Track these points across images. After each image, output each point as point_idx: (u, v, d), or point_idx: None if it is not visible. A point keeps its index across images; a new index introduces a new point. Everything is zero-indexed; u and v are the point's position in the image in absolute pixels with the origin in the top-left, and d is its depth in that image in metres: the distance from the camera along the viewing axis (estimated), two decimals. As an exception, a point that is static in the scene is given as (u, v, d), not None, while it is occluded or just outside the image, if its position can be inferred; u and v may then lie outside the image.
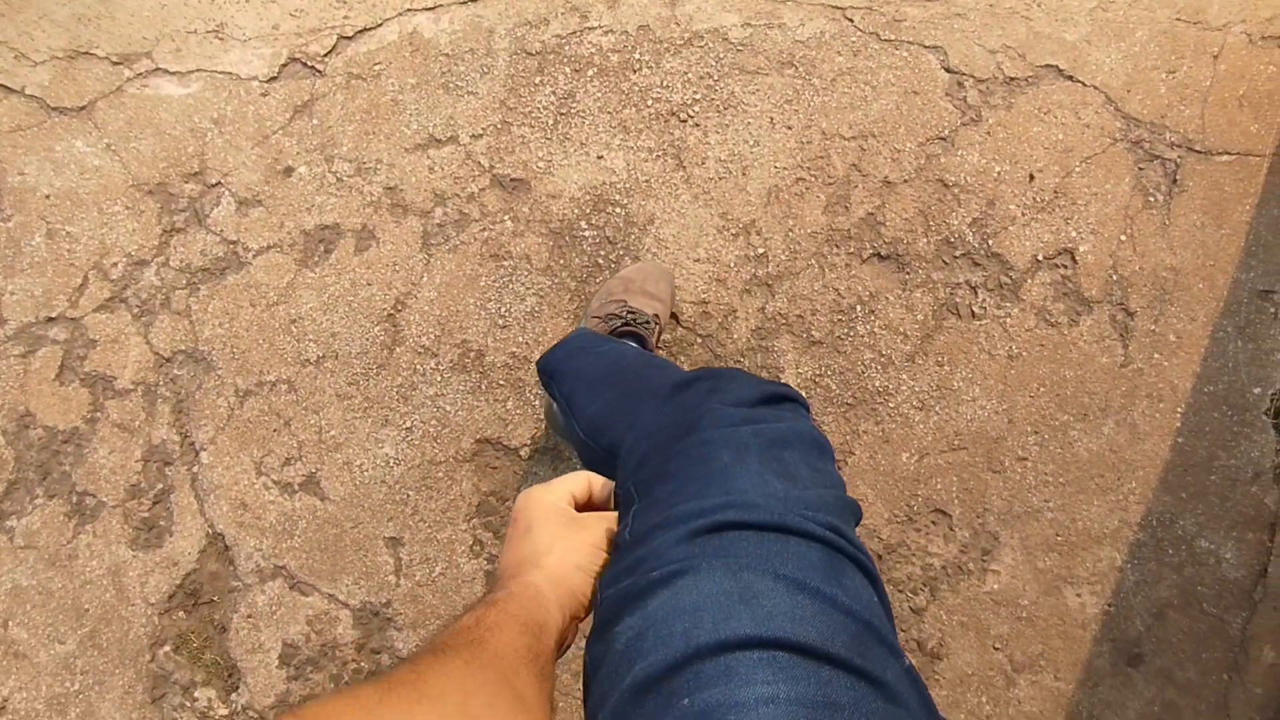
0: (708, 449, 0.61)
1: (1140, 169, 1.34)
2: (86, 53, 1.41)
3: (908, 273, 1.34)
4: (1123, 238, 1.34)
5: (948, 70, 1.36)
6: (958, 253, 1.34)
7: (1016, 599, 1.31)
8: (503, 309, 1.36)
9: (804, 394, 1.33)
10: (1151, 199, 1.34)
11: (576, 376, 0.88)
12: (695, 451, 0.61)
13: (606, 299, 1.29)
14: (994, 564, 1.31)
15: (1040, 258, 1.34)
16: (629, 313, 1.23)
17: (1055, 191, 1.34)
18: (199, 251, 1.37)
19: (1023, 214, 1.34)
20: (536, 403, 1.34)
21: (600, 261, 1.36)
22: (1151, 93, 1.34)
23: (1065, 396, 1.32)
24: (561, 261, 1.36)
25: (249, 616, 1.33)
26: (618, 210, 1.37)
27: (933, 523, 1.32)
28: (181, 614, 1.33)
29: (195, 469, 1.34)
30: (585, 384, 0.85)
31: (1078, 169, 1.34)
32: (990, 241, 1.34)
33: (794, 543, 0.52)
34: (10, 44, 1.42)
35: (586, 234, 1.37)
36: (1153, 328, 1.32)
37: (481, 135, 1.38)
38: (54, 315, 1.37)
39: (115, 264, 1.37)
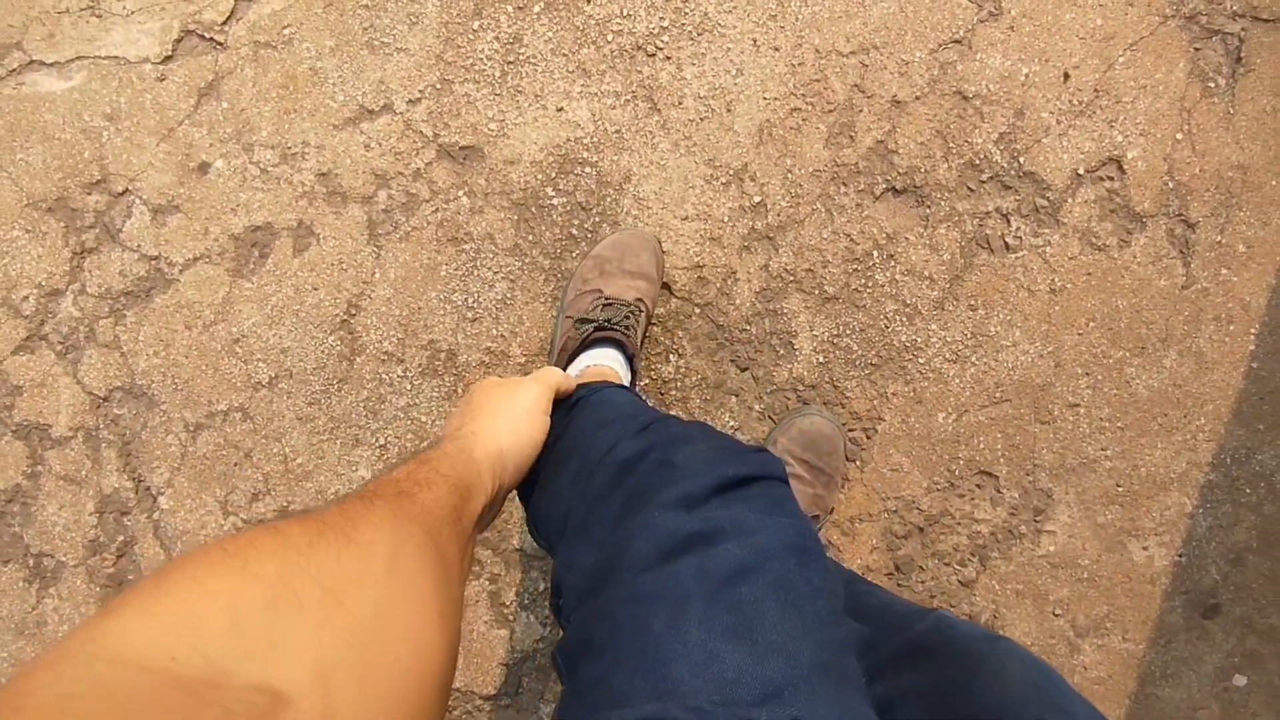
0: (638, 608, 0.45)
1: (1196, 50, 1.13)
2: (-50, 52, 1.21)
3: (928, 206, 1.16)
4: (1179, 136, 1.14)
5: (959, -45, 1.13)
6: (984, 176, 1.15)
7: (1076, 559, 1.18)
8: (470, 300, 1.19)
9: (822, 359, 1.17)
10: (1211, 84, 1.13)
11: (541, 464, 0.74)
12: (624, 612, 0.45)
13: (580, 288, 1.11)
14: (1048, 524, 1.18)
15: (1081, 171, 1.15)
16: (604, 308, 1.06)
17: (1096, 90, 1.13)
18: (117, 272, 1.20)
19: (1058, 122, 1.14)
20: (522, 401, 1.19)
21: (574, 232, 1.18)
22: (1205, -45, 1.12)
23: (1119, 330, 1.16)
24: (530, 238, 1.19)
25: (240, 667, 1.22)
26: (588, 170, 1.18)
27: (978, 486, 1.18)
28: (169, 670, 1.23)
29: (156, 515, 1.21)
30: (543, 461, 0.71)
31: (1121, 59, 1.13)
32: (1021, 159, 1.14)
33: None
34: None
35: (555, 202, 1.19)
36: (1218, 239, 1.14)
37: (419, 99, 1.18)
38: (-29, 363, 1.22)
39: (26, 297, 1.20)
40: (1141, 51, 1.11)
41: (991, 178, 1.13)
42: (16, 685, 0.26)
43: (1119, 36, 1.11)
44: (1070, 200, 1.13)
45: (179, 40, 1.17)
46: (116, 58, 1.18)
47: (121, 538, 1.20)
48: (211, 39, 1.17)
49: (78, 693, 0.26)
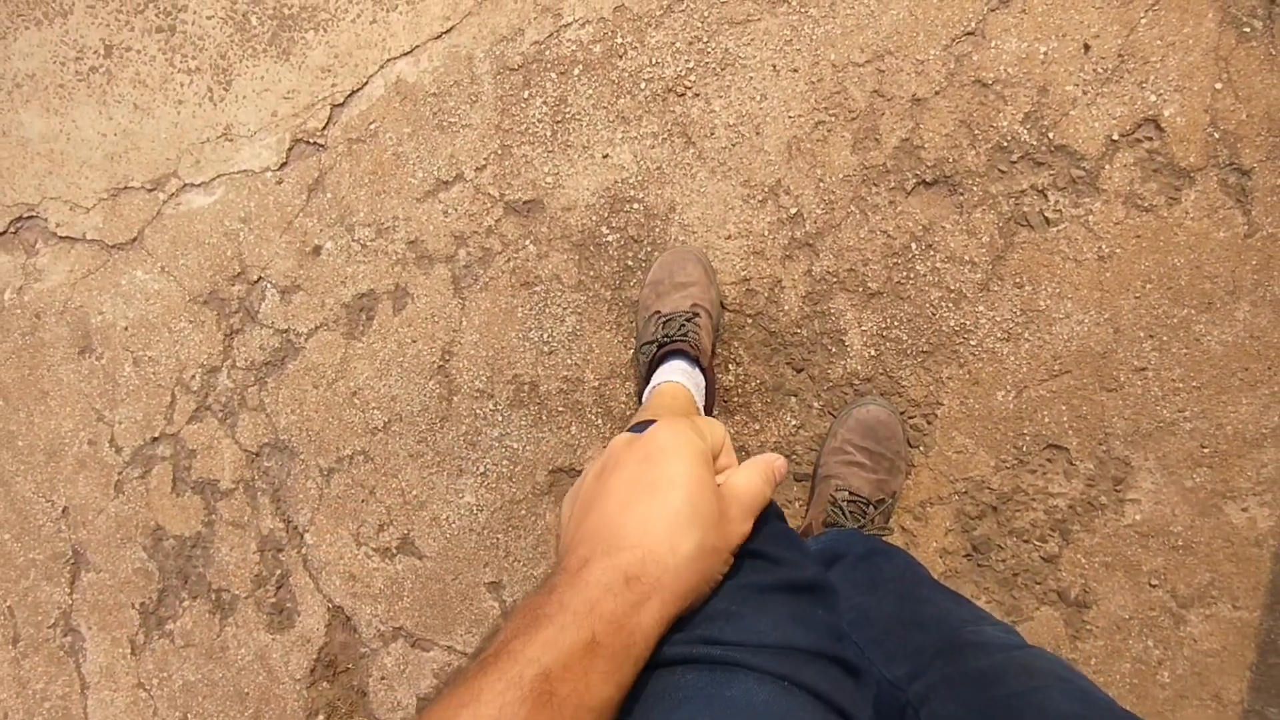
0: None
1: (1223, -1, 1.11)
2: (125, 187, 1.48)
3: (961, 194, 1.18)
4: (1218, 86, 1.11)
5: (960, -47, 1.17)
6: (1014, 157, 1.16)
7: (1167, 527, 1.14)
8: (545, 335, 1.32)
9: (873, 352, 1.20)
10: (1247, 29, 1.10)
11: None
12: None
13: (645, 315, 1.18)
14: (1131, 492, 1.14)
15: (1115, 137, 1.13)
16: (663, 325, 1.14)
17: (1120, 55, 1.13)
18: (258, 347, 1.41)
19: (1084, 92, 1.14)
20: (599, 422, 1.30)
21: (630, 264, 1.29)
22: (1220, -97, 1.10)
23: (1180, 288, 1.12)
24: (592, 273, 1.30)
25: (382, 679, 1.38)
26: (635, 206, 1.29)
27: (1048, 460, 1.16)
28: (325, 684, 1.40)
29: (303, 550, 1.40)
30: None
31: (1143, 21, 1.12)
32: (1051, 134, 1.15)
33: (664, 674, 0.39)
34: (64, 197, 1.52)
35: (610, 238, 1.30)
36: (1279, 182, 1.10)
37: (485, 166, 1.33)
38: (157, 435, 1.46)
39: (193, 376, 1.44)
40: (1164, 10, 1.10)
41: (1022, 157, 1.14)
42: None
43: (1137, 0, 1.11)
44: (1108, 167, 1.12)
45: (290, 148, 1.39)
46: (246, 171, 1.41)
47: (279, 571, 1.39)
48: (315, 143, 1.38)
49: None
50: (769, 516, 0.48)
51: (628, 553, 0.37)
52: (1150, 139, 1.10)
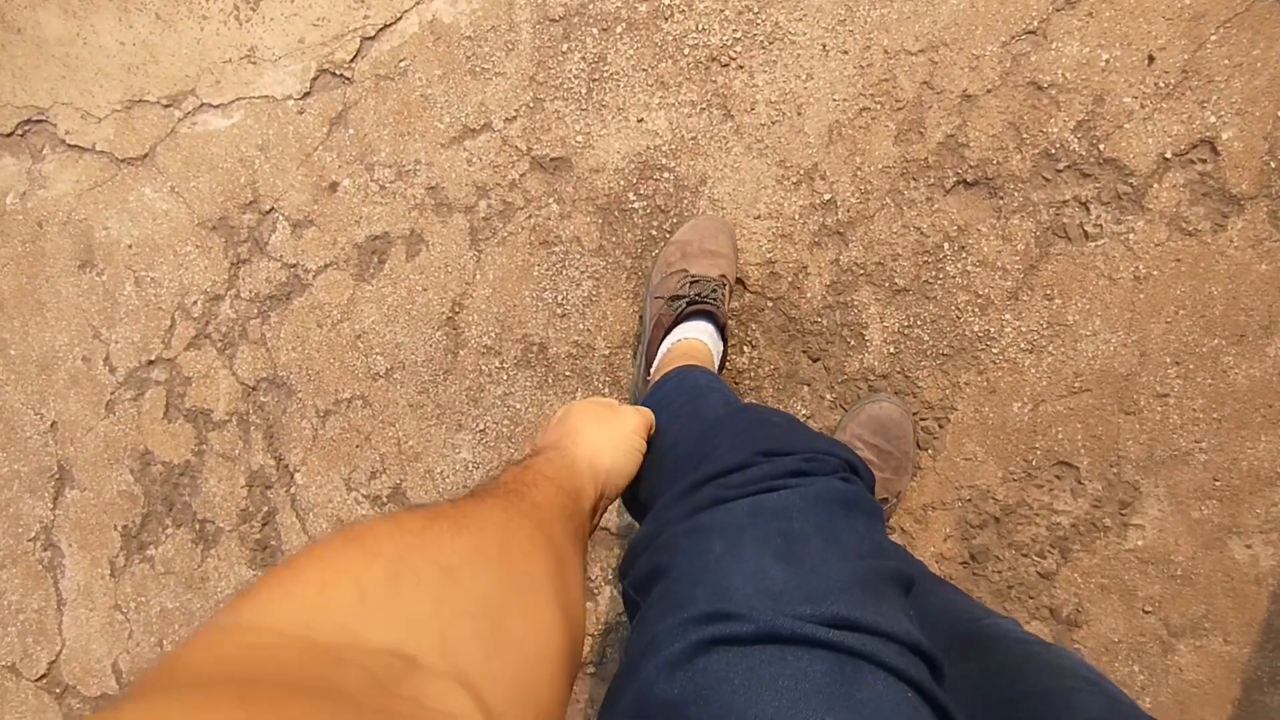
0: (701, 537, 0.50)
1: (1297, 24, 1.05)
2: (140, 100, 1.42)
3: (1001, 198, 1.13)
4: None
5: (1031, -54, 1.11)
6: (1060, 165, 1.11)
7: (1168, 555, 1.11)
8: (559, 297, 1.27)
9: (893, 349, 1.17)
10: (1315, 59, 1.05)
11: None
12: (689, 542, 0.49)
13: (666, 271, 1.16)
14: (1136, 517, 1.12)
15: (1169, 155, 1.09)
16: (692, 284, 1.11)
17: (1184, 71, 1.08)
18: (264, 279, 1.36)
19: (1141, 106, 1.09)
20: (606, 390, 1.26)
21: (654, 234, 1.24)
22: (1307, -77, 1.04)
23: (1213, 317, 1.09)
24: (614, 239, 1.26)
25: (361, 625, 1.35)
26: (666, 175, 1.24)
27: (1057, 477, 1.14)
28: (304, 625, 1.38)
29: (292, 490, 1.37)
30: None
31: (1212, 38, 1.07)
32: (1101, 146, 1.10)
33: (791, 658, 0.39)
34: (75, 104, 1.45)
35: (636, 206, 1.25)
36: (1326, 220, 1.06)
37: (515, 117, 1.28)
38: (153, 359, 1.42)
39: (195, 302, 1.39)
40: (1236, 28, 1.05)
41: (1069, 166, 1.09)
42: (174, 653, 0.27)
43: (1210, 15, 1.05)
44: (1156, 185, 1.07)
45: (315, 78, 1.33)
46: (267, 97, 1.34)
47: (266, 508, 1.36)
48: (341, 75, 1.31)
49: (227, 655, 0.27)
50: (876, 510, 0.54)
51: (584, 448, 0.60)
52: (1204, 161, 1.05)
